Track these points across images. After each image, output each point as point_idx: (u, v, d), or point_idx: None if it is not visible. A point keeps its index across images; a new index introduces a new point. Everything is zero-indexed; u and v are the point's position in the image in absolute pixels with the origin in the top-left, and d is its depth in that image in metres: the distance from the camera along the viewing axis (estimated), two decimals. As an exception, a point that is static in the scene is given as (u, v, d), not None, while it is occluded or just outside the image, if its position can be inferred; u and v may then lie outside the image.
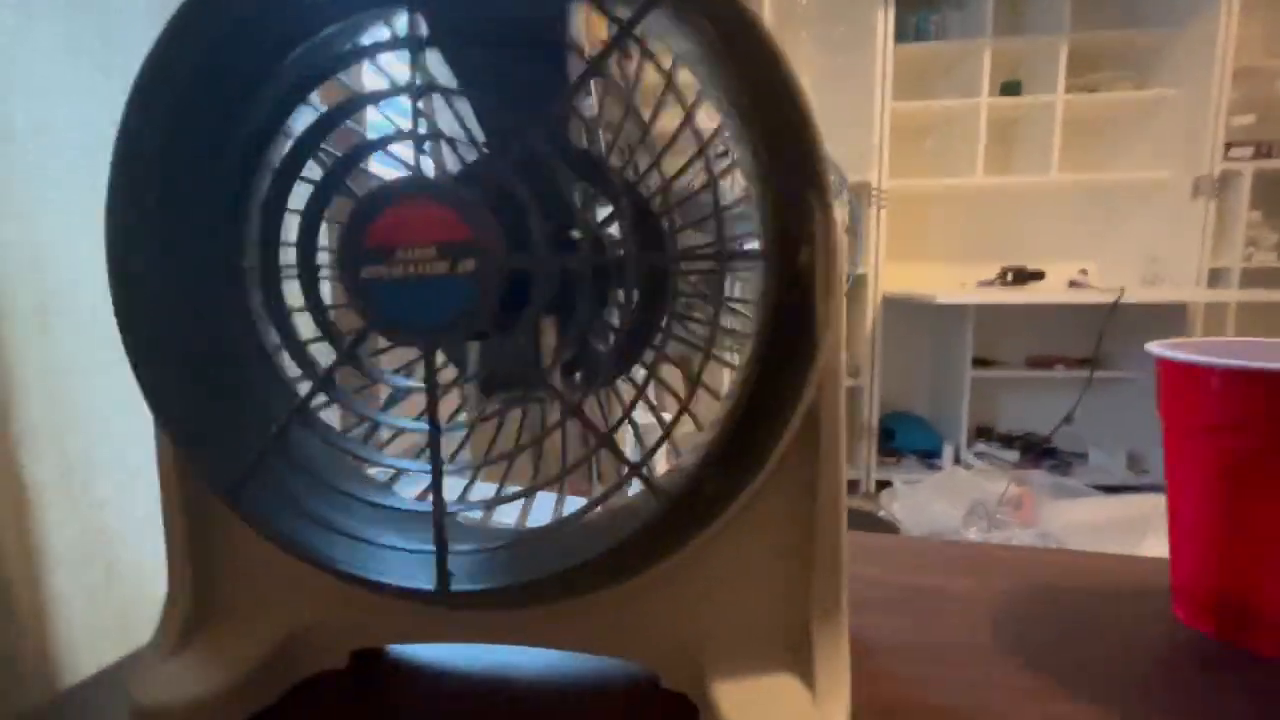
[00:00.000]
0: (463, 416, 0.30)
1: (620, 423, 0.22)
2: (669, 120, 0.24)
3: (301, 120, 0.22)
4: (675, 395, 0.25)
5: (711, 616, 0.25)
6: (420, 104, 0.22)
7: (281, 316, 0.22)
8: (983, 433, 2.44)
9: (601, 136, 0.26)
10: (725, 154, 0.30)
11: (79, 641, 0.42)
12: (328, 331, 0.21)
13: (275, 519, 0.23)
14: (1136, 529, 1.39)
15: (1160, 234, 2.16)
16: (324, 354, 0.25)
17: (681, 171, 0.24)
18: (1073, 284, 2.10)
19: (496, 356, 0.26)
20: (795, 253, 0.22)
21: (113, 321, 0.43)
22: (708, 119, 0.24)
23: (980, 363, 2.27)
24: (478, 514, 0.29)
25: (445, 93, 0.21)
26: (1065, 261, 2.31)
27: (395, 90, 0.21)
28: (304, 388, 0.23)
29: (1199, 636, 0.31)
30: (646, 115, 0.23)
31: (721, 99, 0.22)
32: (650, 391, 0.23)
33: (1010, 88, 2.20)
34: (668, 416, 0.24)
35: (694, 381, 0.23)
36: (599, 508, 0.25)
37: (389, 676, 0.30)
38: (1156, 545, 1.34)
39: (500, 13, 0.23)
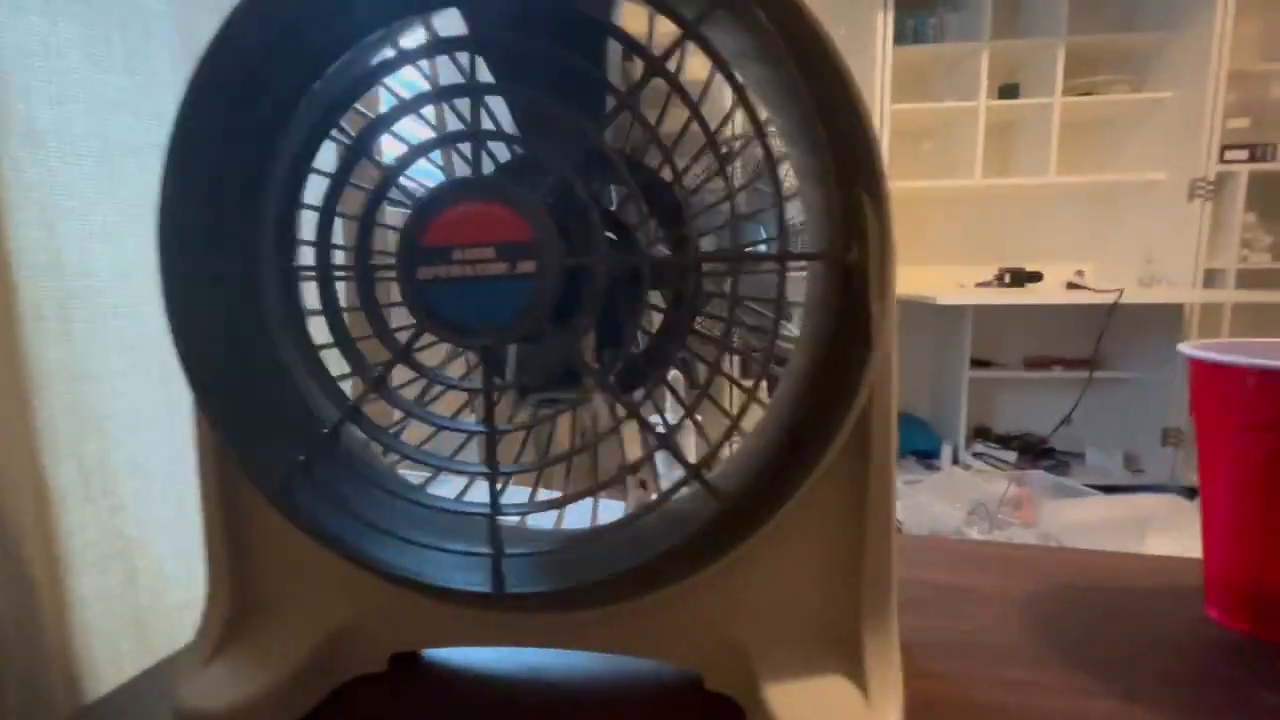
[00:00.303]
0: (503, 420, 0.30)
1: (679, 424, 0.22)
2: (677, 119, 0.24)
3: (348, 125, 0.22)
4: (718, 404, 0.25)
5: (759, 617, 0.25)
6: (448, 105, 0.22)
7: (334, 317, 0.22)
8: (981, 433, 2.45)
9: (644, 139, 0.26)
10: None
11: (97, 647, 0.41)
12: (382, 331, 0.21)
13: (324, 520, 0.23)
14: (1138, 528, 1.40)
15: (1156, 235, 2.18)
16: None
17: (728, 161, 0.24)
18: (1070, 285, 2.12)
19: (538, 359, 0.26)
20: (836, 250, 0.22)
21: (129, 328, 0.43)
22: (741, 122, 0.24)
23: (978, 363, 2.28)
24: (514, 518, 0.28)
25: (504, 92, 0.21)
26: (1062, 263, 2.32)
27: (457, 90, 0.20)
28: (351, 387, 0.23)
29: (1233, 633, 0.31)
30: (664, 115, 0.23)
31: (776, 99, 0.22)
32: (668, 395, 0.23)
33: (1008, 90, 2.21)
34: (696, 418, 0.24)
35: (746, 390, 0.23)
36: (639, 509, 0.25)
37: (426, 680, 0.29)
38: (1158, 544, 1.34)
39: (549, 8, 0.23)
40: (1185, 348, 0.33)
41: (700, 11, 0.19)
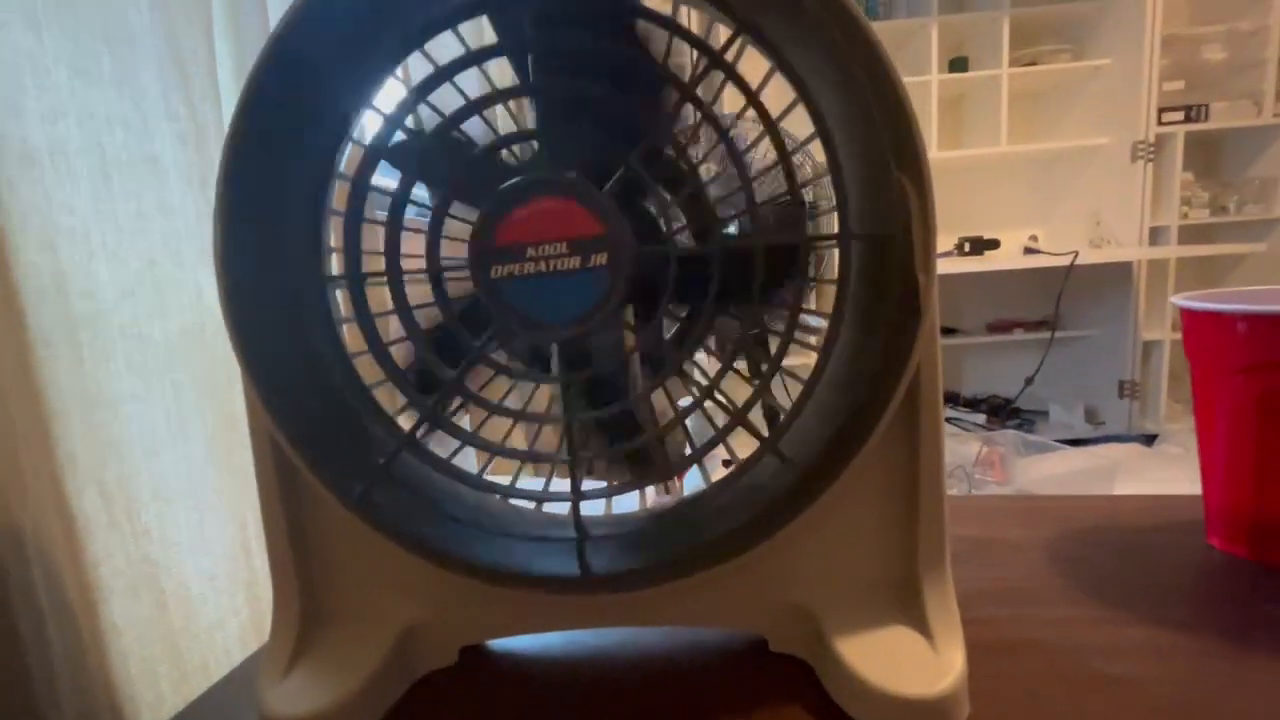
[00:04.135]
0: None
1: (756, 399, 0.23)
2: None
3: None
4: (793, 375, 0.26)
5: (822, 578, 0.27)
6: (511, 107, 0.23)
7: (408, 320, 0.22)
8: (950, 398, 2.53)
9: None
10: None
11: (134, 672, 0.41)
12: (459, 331, 0.22)
13: (406, 523, 0.24)
14: (1106, 476, 1.47)
15: (1103, 197, 2.27)
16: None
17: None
18: (1027, 250, 2.19)
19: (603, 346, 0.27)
20: (897, 229, 0.23)
21: (136, 350, 0.42)
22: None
23: (943, 331, 2.34)
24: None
25: (563, 92, 0.21)
26: (1017, 229, 2.40)
27: (521, 90, 0.21)
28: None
29: (1234, 559, 0.34)
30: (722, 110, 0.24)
31: (827, 85, 0.23)
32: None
33: (958, 64, 2.27)
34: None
35: (779, 367, 0.24)
36: (701, 484, 0.26)
37: (497, 669, 0.30)
38: (1127, 489, 1.42)
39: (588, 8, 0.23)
40: (1178, 299, 0.35)
41: (726, 40, 0.20)
